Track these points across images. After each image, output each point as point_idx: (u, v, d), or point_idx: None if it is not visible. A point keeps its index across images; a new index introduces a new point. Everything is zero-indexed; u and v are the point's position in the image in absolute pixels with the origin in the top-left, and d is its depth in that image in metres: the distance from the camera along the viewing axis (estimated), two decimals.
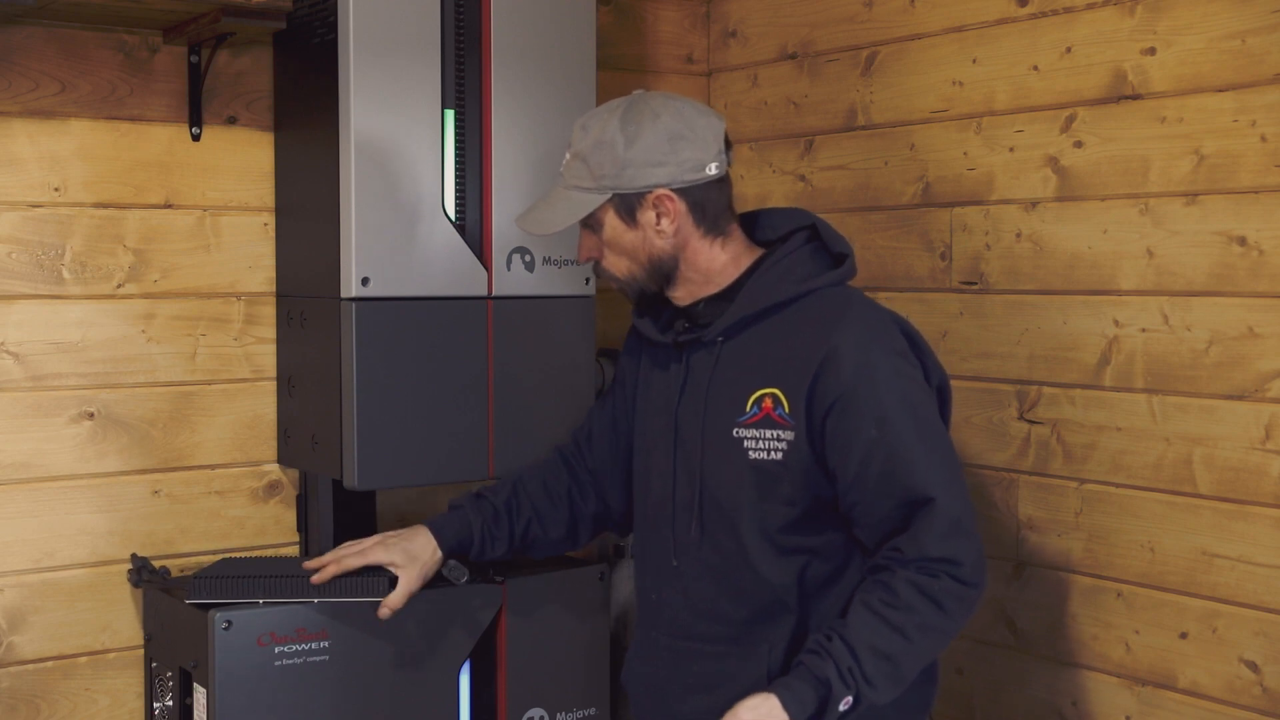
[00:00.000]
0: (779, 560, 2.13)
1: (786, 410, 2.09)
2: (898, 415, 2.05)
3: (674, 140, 2.13)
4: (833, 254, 2.21)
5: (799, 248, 2.20)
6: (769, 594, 2.15)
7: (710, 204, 2.18)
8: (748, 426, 2.13)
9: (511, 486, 2.46)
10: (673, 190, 2.14)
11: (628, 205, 2.15)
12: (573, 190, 2.18)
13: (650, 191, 2.13)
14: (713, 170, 2.16)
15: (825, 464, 2.09)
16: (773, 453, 2.10)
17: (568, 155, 2.20)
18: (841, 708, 1.99)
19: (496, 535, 2.42)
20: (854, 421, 2.05)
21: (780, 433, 2.10)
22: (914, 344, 2.15)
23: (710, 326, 2.18)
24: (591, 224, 2.20)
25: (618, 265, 2.22)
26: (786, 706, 1.97)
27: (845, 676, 1.98)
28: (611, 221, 2.17)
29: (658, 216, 2.15)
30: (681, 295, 2.23)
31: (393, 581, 2.47)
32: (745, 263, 2.20)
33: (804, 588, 2.13)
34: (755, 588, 2.15)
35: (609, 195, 2.15)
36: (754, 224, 2.28)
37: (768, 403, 2.11)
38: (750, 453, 2.12)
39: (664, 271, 2.20)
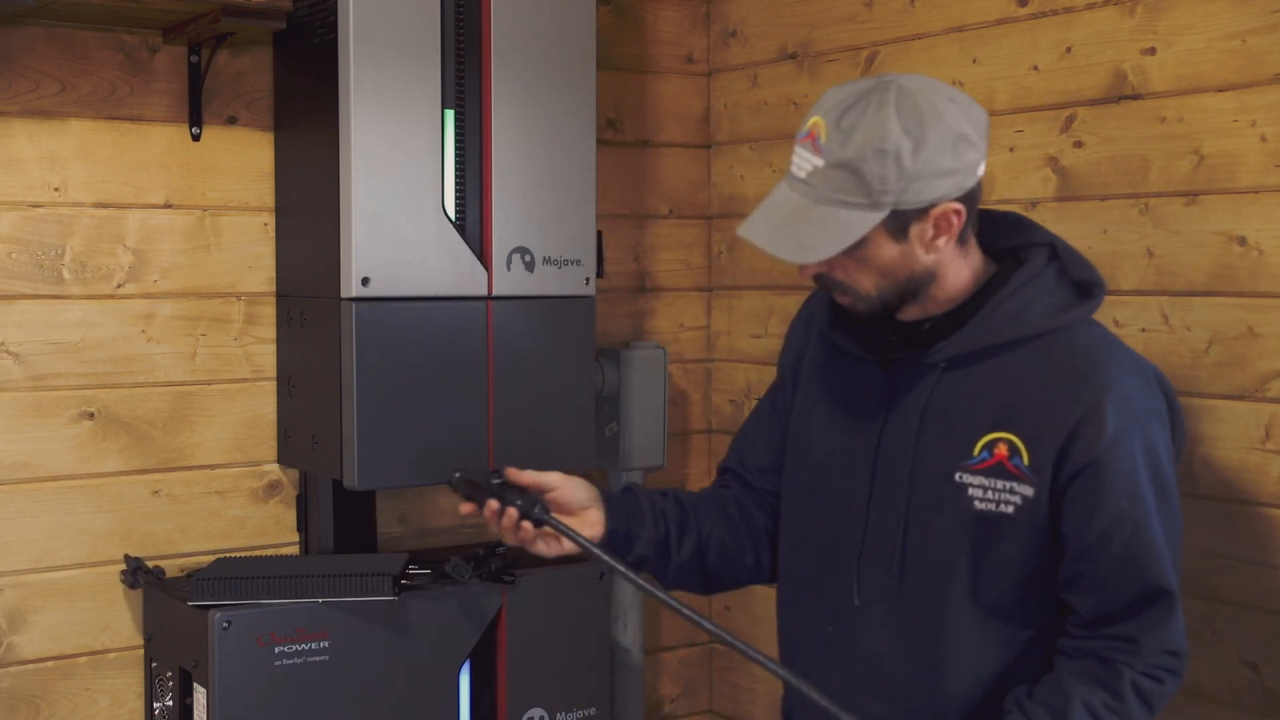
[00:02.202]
0: (980, 635, 1.86)
1: (1026, 462, 1.82)
2: (1150, 493, 1.82)
3: (958, 143, 1.77)
4: (1075, 281, 1.90)
5: (1041, 271, 1.89)
6: (961, 674, 1.87)
7: (975, 211, 1.86)
8: (975, 472, 1.84)
9: (681, 497, 2.11)
10: (958, 202, 1.79)
11: (902, 222, 1.78)
12: (835, 206, 1.77)
13: (935, 206, 1.78)
14: (981, 170, 1.82)
15: (1056, 527, 1.83)
16: (1003, 505, 1.82)
17: (817, 161, 1.78)
18: None
19: (678, 535, 2.04)
20: (1104, 491, 1.79)
21: (1015, 485, 1.82)
22: (1169, 400, 1.90)
23: (934, 349, 1.88)
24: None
25: (862, 281, 1.84)
26: None
27: None
28: (877, 239, 1.79)
29: (935, 233, 1.80)
30: (912, 312, 1.89)
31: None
32: (981, 277, 1.89)
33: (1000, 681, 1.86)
34: (948, 663, 1.87)
35: (886, 212, 1.76)
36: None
37: (1002, 449, 1.83)
38: (976, 502, 1.84)
39: (916, 289, 1.85)
